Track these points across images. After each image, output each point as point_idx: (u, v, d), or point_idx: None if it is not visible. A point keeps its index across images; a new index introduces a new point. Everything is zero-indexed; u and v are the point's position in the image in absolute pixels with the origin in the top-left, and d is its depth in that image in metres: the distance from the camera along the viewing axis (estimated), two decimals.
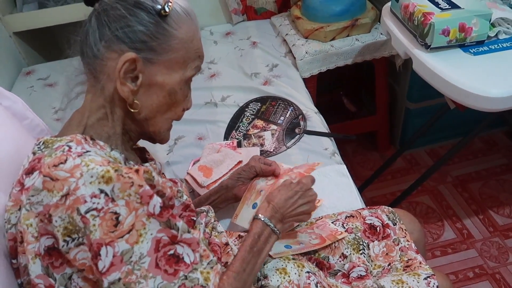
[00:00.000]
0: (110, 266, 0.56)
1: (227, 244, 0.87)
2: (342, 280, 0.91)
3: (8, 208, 0.65)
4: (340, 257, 0.93)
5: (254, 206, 0.95)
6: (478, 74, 1.06)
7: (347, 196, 1.13)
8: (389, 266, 0.93)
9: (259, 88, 1.53)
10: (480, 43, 1.13)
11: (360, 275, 0.91)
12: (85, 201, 0.56)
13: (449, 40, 1.11)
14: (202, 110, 1.46)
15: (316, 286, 0.82)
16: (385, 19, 1.33)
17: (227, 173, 1.15)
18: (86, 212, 0.56)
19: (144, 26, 0.65)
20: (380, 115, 1.92)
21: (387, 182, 1.91)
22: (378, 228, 0.97)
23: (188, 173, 1.16)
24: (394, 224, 0.98)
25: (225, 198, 1.00)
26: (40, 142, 0.66)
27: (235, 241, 0.93)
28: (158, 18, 0.66)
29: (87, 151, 0.61)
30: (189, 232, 0.63)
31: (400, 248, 0.95)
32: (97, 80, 0.68)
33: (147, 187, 0.60)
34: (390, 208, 1.03)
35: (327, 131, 1.37)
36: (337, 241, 0.94)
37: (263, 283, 0.81)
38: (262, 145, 1.31)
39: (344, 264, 0.92)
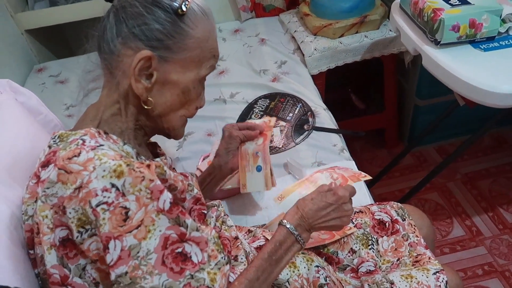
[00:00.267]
0: (118, 259, 0.57)
1: (236, 238, 0.87)
2: (351, 274, 0.91)
3: (25, 200, 0.66)
4: (349, 252, 0.93)
5: (259, 169, 0.93)
6: (488, 70, 1.06)
7: (356, 192, 1.12)
8: (398, 261, 0.93)
9: (267, 84, 1.53)
10: (490, 39, 1.13)
11: (369, 270, 0.91)
12: (96, 195, 0.57)
13: (459, 36, 1.10)
14: (211, 107, 1.47)
15: (325, 280, 0.83)
16: (394, 15, 1.33)
17: None
18: (97, 205, 0.57)
19: (161, 24, 0.65)
20: (389, 112, 1.91)
21: (395, 179, 1.90)
22: (387, 224, 0.97)
23: (198, 169, 1.18)
24: (403, 220, 0.99)
25: (222, 176, 0.99)
26: (55, 136, 0.67)
27: (244, 236, 0.94)
28: (175, 16, 0.66)
29: (101, 145, 0.62)
30: (198, 230, 0.63)
31: (409, 243, 0.96)
32: (113, 75, 0.68)
33: (158, 182, 0.60)
34: (399, 204, 1.03)
35: (335, 128, 1.38)
36: (346, 236, 0.94)
37: None
38: (271, 141, 1.32)
39: (353, 259, 0.93)
